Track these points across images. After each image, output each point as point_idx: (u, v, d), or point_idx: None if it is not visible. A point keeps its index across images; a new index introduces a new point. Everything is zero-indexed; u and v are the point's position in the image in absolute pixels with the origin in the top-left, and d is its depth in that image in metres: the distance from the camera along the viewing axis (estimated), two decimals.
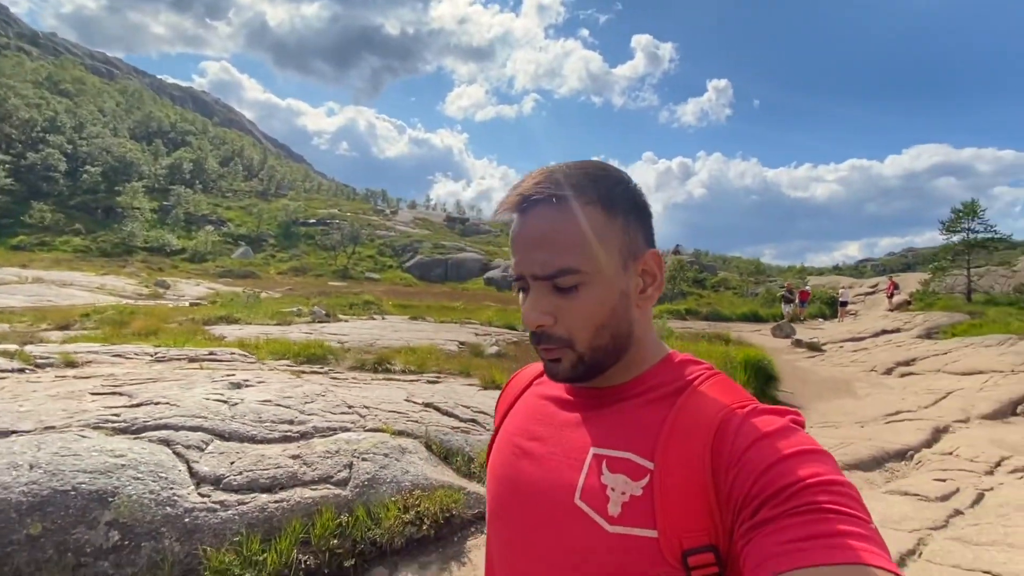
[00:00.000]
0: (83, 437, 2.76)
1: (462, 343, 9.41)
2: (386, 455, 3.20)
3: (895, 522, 3.28)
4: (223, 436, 3.06)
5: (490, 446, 0.76)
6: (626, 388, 0.63)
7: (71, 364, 4.91)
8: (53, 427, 2.87)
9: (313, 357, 6.69)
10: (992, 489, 3.86)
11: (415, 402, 4.33)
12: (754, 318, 22.60)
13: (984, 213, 23.20)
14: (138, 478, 2.53)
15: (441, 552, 2.85)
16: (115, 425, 2.96)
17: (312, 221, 63.48)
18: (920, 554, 2.88)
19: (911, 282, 27.73)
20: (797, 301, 22.18)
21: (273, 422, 3.32)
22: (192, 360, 5.63)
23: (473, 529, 3.05)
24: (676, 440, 0.55)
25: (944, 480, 4.01)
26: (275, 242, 57.44)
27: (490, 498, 0.70)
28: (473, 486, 3.31)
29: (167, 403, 3.33)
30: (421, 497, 2.97)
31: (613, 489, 0.56)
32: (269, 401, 3.64)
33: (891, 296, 23.09)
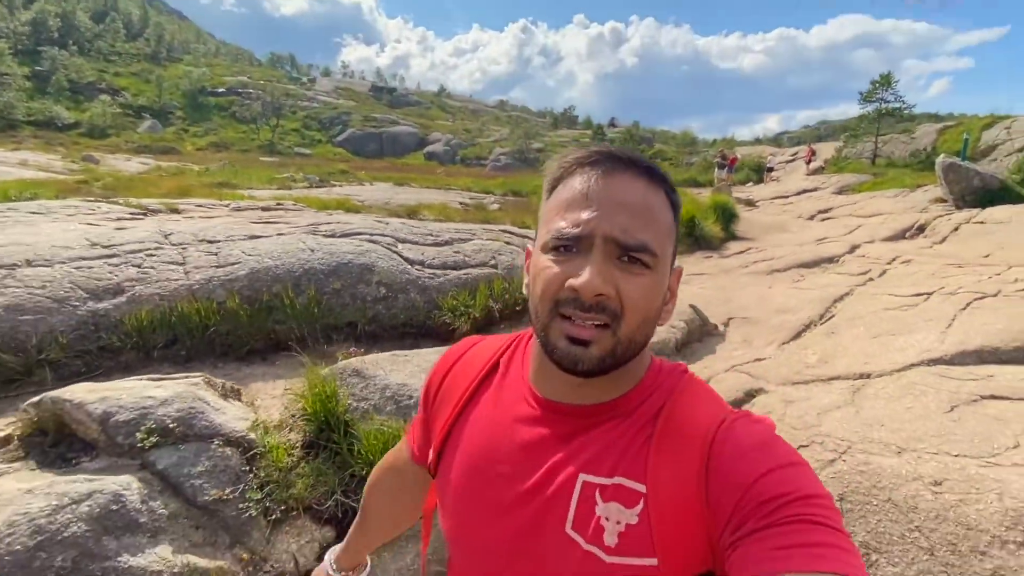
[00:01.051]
0: (315, 237, 3.84)
1: (462, 203, 10.48)
2: (511, 253, 4.54)
3: (835, 285, 5.14)
4: (401, 240, 4.23)
5: (439, 443, 0.69)
6: (614, 406, 0.59)
7: (176, 211, 5.63)
8: (282, 233, 3.91)
9: (352, 209, 7.60)
10: (889, 270, 5.83)
11: (492, 229, 5.59)
12: (693, 184, 24.77)
13: (896, 84, 25.68)
14: (380, 258, 3.72)
15: None
16: (324, 233, 4.04)
17: (221, 91, 57.60)
18: (851, 293, 4.74)
19: (827, 150, 30.74)
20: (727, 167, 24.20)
21: (421, 234, 4.50)
22: (265, 210, 6.42)
23: None
24: (665, 459, 0.55)
25: (860, 267, 5.96)
26: (183, 114, 52.25)
27: (451, 518, 0.66)
28: None
29: (340, 223, 4.39)
30: None
31: (607, 519, 0.54)
32: (405, 223, 4.77)
33: (809, 162, 25.84)
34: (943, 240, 7.91)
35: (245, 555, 1.87)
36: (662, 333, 3.48)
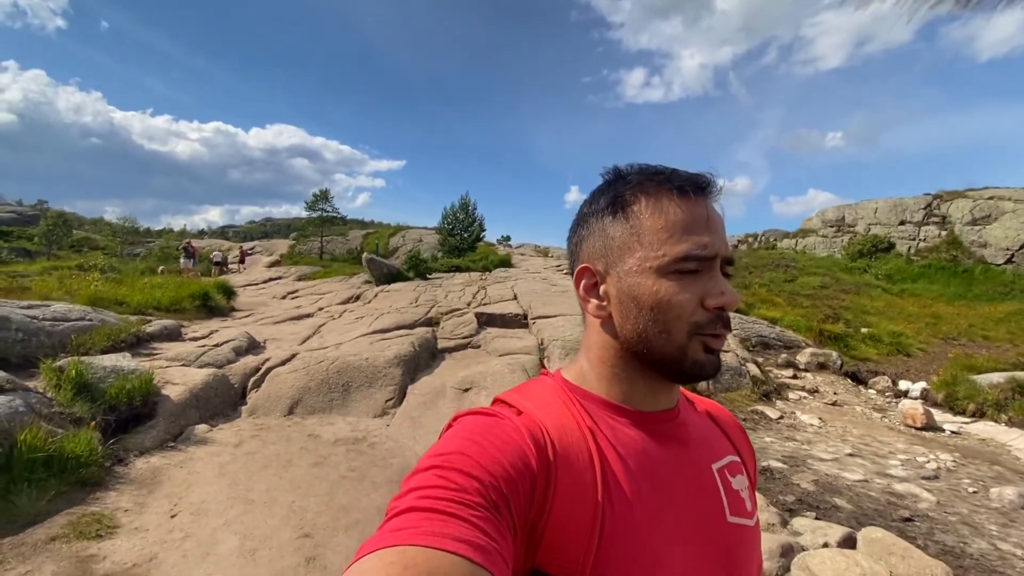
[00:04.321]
0: None
1: None
2: (97, 312, 6.30)
3: (317, 322, 9.24)
4: (3, 303, 5.39)
5: (590, 547, 0.55)
6: (681, 402, 0.72)
7: None
8: None
9: None
10: (344, 313, 10.49)
11: (57, 301, 6.81)
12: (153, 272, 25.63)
13: (333, 199, 34.99)
14: (12, 312, 5.05)
15: None
16: None
17: None
18: (325, 324, 8.93)
19: (282, 246, 37.60)
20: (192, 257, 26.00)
21: (8, 300, 5.65)
22: None
23: None
24: (733, 434, 0.78)
25: (328, 315, 10.39)
26: None
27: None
28: None
29: None
30: None
31: (742, 489, 0.70)
32: None
33: (242, 260, 30.88)
34: (370, 301, 13.65)
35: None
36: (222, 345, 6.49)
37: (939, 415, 6.77)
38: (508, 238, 50.27)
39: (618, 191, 0.67)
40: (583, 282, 0.69)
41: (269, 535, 3.08)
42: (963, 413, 6.88)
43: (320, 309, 11.81)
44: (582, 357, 0.71)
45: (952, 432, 6.20)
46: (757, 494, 0.81)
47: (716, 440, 0.73)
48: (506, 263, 26.42)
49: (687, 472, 0.65)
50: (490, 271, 22.39)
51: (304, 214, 36.06)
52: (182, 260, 25.76)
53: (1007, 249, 18.06)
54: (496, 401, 0.68)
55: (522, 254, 35.86)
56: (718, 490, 0.67)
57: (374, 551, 0.44)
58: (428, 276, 19.15)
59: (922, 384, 7.94)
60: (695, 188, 0.64)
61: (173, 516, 3.26)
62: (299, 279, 23.59)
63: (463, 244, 29.01)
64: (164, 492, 3.60)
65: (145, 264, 28.53)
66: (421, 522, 0.47)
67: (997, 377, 6.92)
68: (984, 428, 6.25)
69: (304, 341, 7.77)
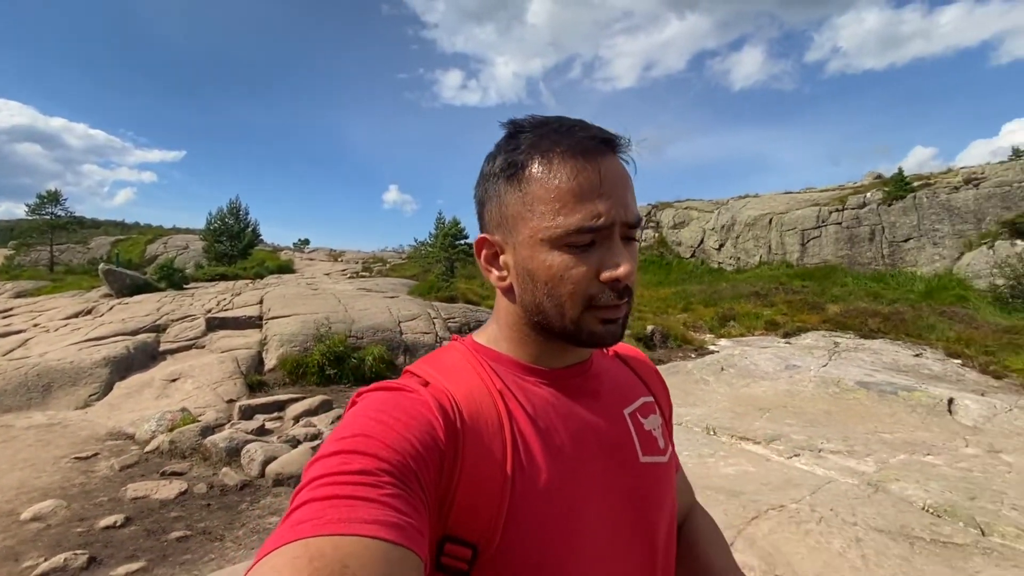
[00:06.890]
0: None
1: None
2: None
3: (10, 342, 9.27)
4: None
5: (500, 511, 0.57)
6: (594, 352, 0.76)
7: None
8: None
9: None
10: (62, 328, 10.46)
11: None
12: None
13: (66, 201, 30.73)
14: None
15: None
16: None
17: None
18: (34, 337, 9.07)
19: None
20: None
21: None
22: None
23: None
24: (647, 376, 0.83)
25: (40, 331, 10.28)
26: None
27: (559, 520, 0.60)
28: None
29: None
30: None
31: (654, 428, 0.75)
32: None
33: None
34: (103, 314, 13.34)
35: None
36: None
37: None
38: (307, 241, 49.23)
39: (511, 152, 0.64)
40: (484, 252, 0.69)
41: None
42: None
43: (36, 326, 11.44)
44: (493, 321, 0.73)
45: None
46: None
47: (628, 384, 0.77)
48: (285, 269, 26.49)
49: (599, 423, 0.68)
50: (263, 278, 22.45)
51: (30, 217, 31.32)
52: None
53: (691, 247, 24.21)
54: (405, 372, 0.67)
55: (311, 259, 35.63)
56: (630, 435, 0.70)
57: (277, 548, 0.43)
58: (184, 286, 18.76)
59: None
60: (585, 150, 0.61)
61: None
62: (17, 296, 20.99)
63: (233, 251, 28.19)
64: None
65: None
66: (325, 511, 0.45)
67: None
68: None
69: (6, 353, 7.99)
